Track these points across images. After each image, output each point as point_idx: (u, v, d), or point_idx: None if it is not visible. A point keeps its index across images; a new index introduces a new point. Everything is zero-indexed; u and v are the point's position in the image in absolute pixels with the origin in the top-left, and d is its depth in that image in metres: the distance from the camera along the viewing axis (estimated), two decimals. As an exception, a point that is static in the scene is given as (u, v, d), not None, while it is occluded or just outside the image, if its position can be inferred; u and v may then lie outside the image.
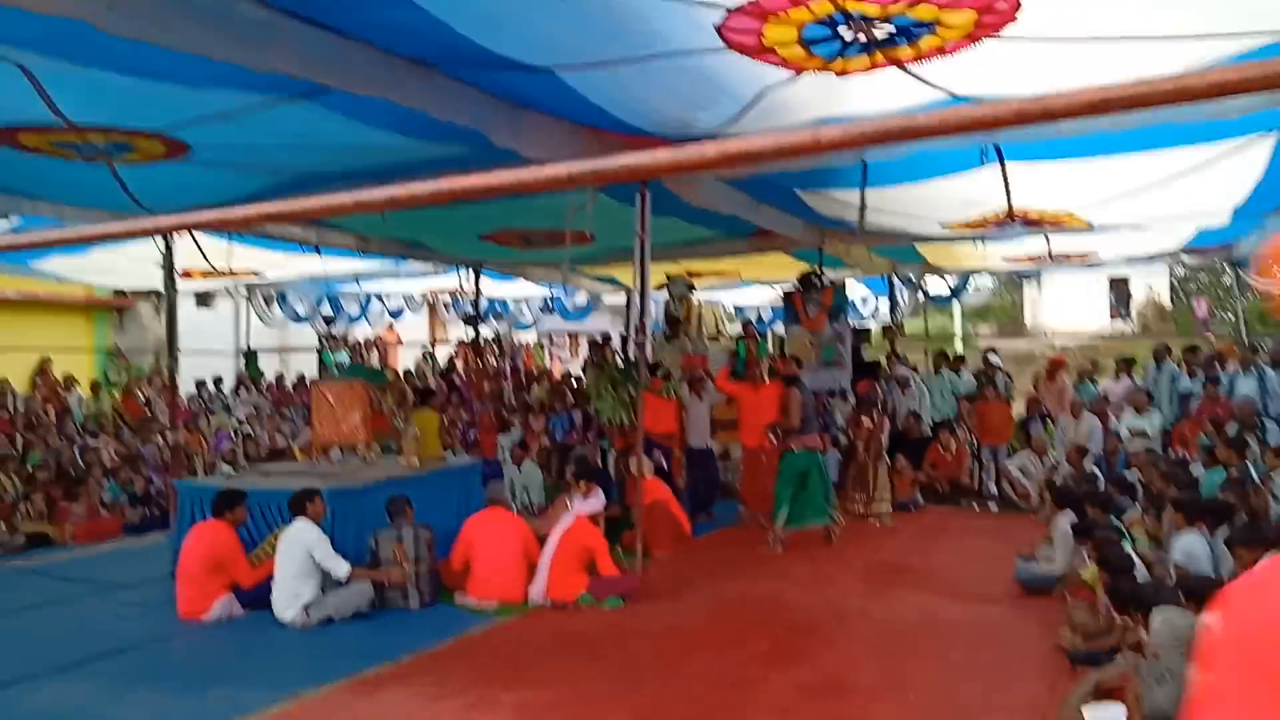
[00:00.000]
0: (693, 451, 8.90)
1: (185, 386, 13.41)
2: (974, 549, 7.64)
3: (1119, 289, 22.29)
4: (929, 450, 10.10)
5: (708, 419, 8.89)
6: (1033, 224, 8.28)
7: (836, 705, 4.35)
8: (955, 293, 14.16)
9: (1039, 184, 6.67)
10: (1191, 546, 4.98)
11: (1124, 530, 5.80)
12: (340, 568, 5.72)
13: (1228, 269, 13.78)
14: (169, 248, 7.90)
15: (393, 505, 6.28)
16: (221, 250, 9.27)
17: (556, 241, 9.22)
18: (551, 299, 16.02)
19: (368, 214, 8.01)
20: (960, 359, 11.75)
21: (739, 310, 20.51)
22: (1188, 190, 6.78)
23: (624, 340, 11.59)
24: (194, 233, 8.69)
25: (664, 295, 12.22)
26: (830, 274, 11.05)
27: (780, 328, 11.41)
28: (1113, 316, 22.03)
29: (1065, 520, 6.24)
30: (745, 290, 15.85)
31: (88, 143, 5.52)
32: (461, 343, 16.96)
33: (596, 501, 6.48)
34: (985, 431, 10.19)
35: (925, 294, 14.38)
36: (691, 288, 11.76)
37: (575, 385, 12.96)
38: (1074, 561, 6.06)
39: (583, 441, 10.08)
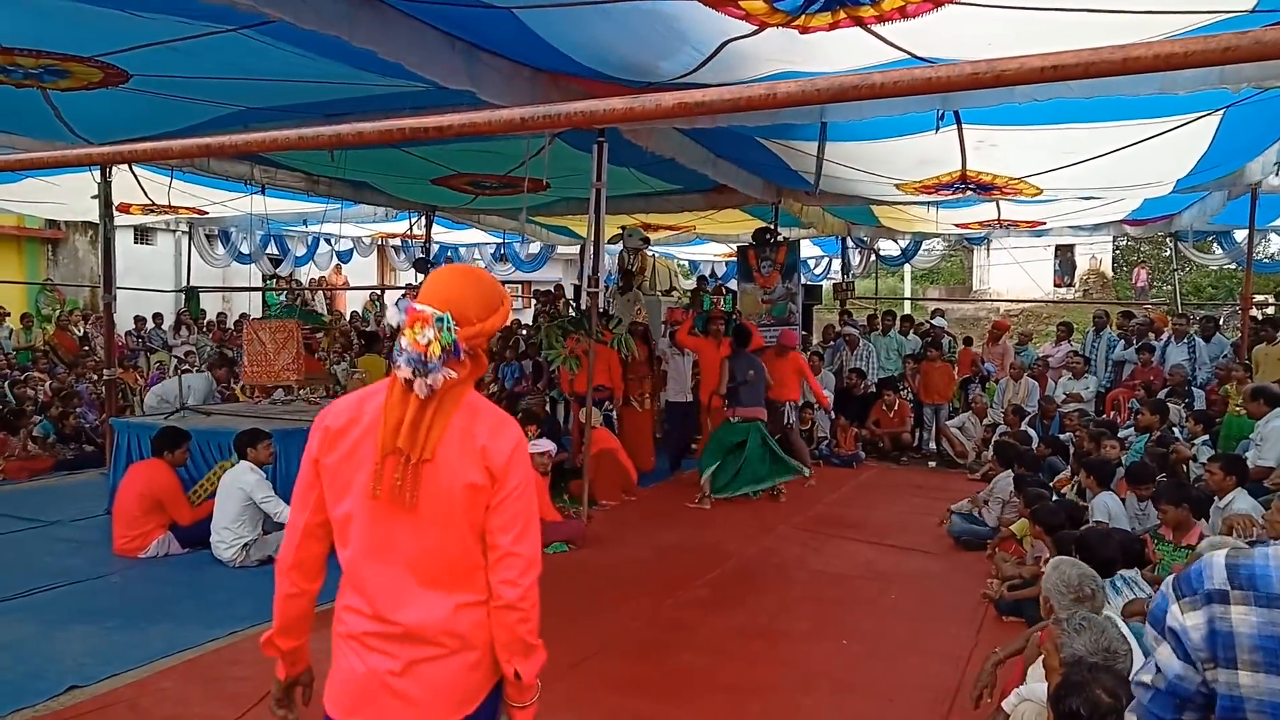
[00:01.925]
0: (672, 405, 8.99)
1: (124, 324, 13.04)
2: (911, 504, 7.86)
3: (1064, 256, 22.78)
4: (873, 408, 10.30)
5: (689, 373, 8.97)
6: (985, 189, 8.40)
7: (772, 648, 4.50)
8: (906, 255, 14.35)
9: (993, 148, 6.76)
10: (1108, 505, 5.21)
11: (1053, 490, 6.03)
12: (282, 511, 5.67)
13: (1168, 241, 14.17)
14: (105, 180, 7.60)
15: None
16: (161, 185, 8.96)
17: (511, 188, 9.09)
18: (505, 248, 15.85)
19: (316, 152, 7.81)
20: (908, 320, 11.96)
21: (693, 265, 20.54)
22: (1135, 162, 6.94)
23: (577, 291, 11.54)
24: (132, 166, 8.37)
25: (618, 247, 12.17)
26: (785, 232, 11.09)
27: (732, 285, 11.45)
28: (1057, 284, 22.54)
29: (1006, 478, 6.45)
30: (699, 246, 15.86)
31: (16, 65, 5.26)
32: (411, 288, 16.73)
33: (543, 443, 6.51)
34: (928, 390, 10.42)
35: (877, 256, 14.56)
36: (646, 241, 11.71)
37: (526, 334, 12.91)
38: (1005, 517, 6.30)
39: (532, 391, 10.08)
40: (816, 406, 9.40)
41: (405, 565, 1.94)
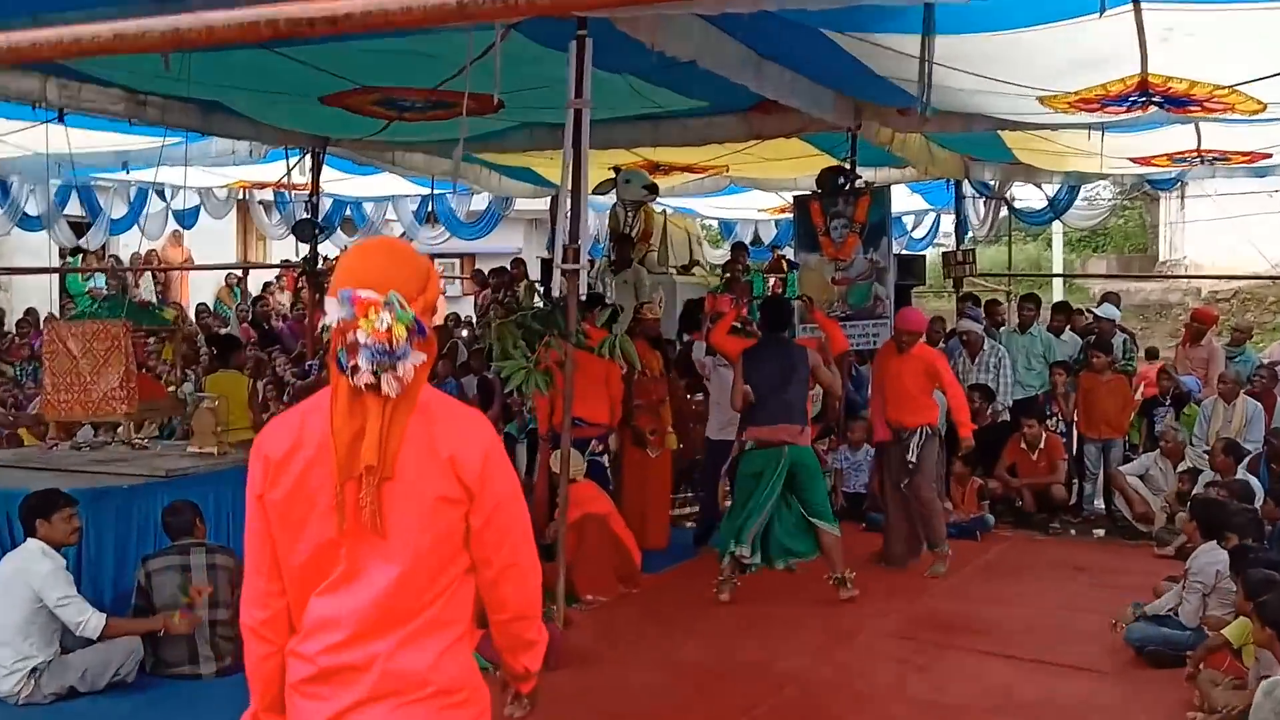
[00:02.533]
0: (715, 446, 9.07)
1: None
2: (1068, 594, 7.82)
3: (1300, 210, 22.80)
4: (1006, 445, 10.29)
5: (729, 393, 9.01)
6: (1177, 104, 8.39)
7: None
8: (1056, 208, 14.39)
9: (1189, 39, 6.74)
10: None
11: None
12: (88, 617, 5.66)
13: None
14: None
15: (174, 517, 6.24)
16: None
17: (444, 109, 9.08)
18: (435, 202, 15.89)
19: (144, 58, 7.77)
20: (1062, 309, 11.94)
21: (725, 227, 20.59)
22: None
23: (545, 269, 11.55)
24: None
25: (611, 200, 12.17)
26: (867, 174, 11.08)
27: (787, 252, 11.47)
28: (1288, 252, 22.55)
29: (1212, 554, 6.40)
30: (734, 197, 15.88)
31: None
32: (289, 266, 16.79)
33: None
34: (1091, 420, 10.39)
35: (1011, 209, 14.58)
36: (654, 190, 11.72)
37: (470, 337, 12.89)
38: (1213, 615, 6.24)
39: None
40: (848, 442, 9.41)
41: (378, 602, 2.44)
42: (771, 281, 8.95)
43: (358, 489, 2.40)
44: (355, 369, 2.37)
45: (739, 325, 9.16)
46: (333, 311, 2.40)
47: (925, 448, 8.37)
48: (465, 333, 13.67)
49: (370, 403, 2.41)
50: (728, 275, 11.65)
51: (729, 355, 8.46)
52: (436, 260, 26.05)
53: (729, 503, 8.26)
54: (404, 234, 17.40)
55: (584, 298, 7.23)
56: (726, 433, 8.75)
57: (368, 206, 17.10)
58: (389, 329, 2.34)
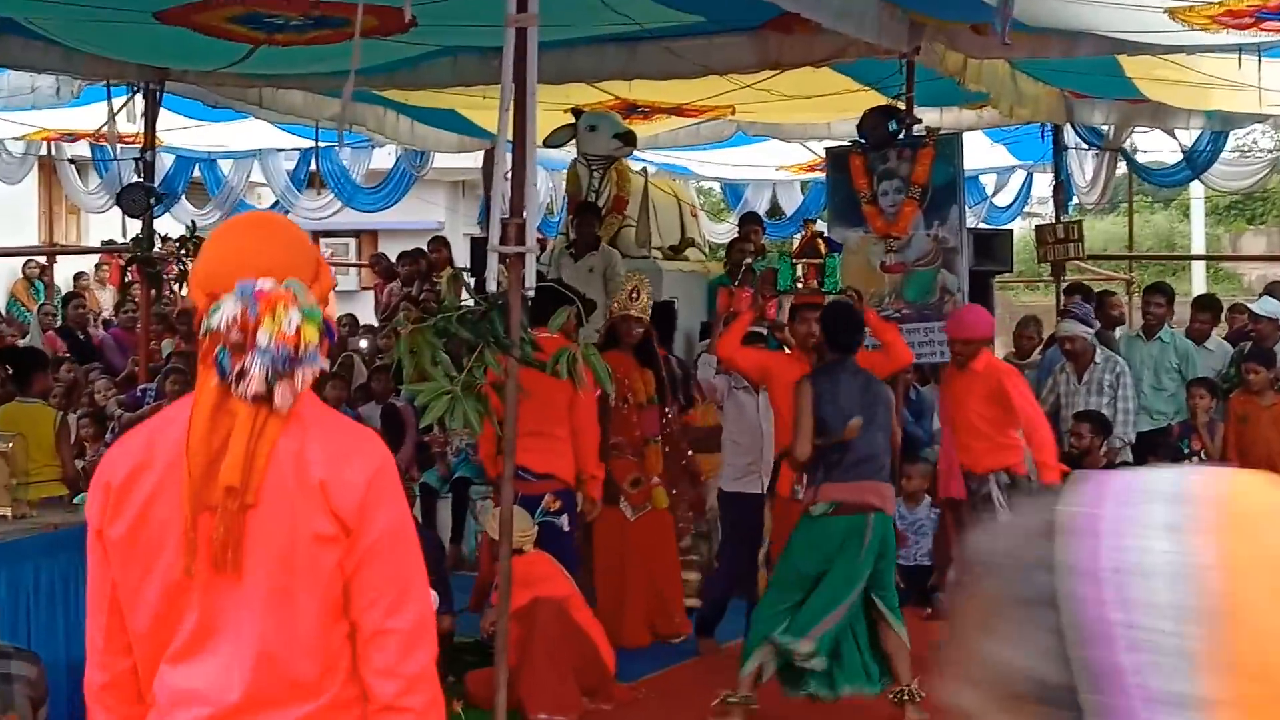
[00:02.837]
0: (731, 500, 9.14)
1: None
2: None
3: None
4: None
5: (761, 429, 9.04)
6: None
7: None
8: (1194, 162, 14.45)
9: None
10: None
11: None
12: None
13: None
14: None
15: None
16: None
17: (330, 29, 9.09)
18: (319, 159, 15.88)
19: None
20: (1206, 305, 11.99)
21: (731, 193, 20.58)
22: None
23: (477, 254, 11.53)
24: None
25: (569, 156, 12.17)
26: (928, 117, 11.11)
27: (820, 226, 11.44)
28: None
29: None
30: (742, 149, 15.93)
31: None
32: (113, 250, 16.62)
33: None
34: (1248, 459, 10.36)
35: (1132, 165, 14.64)
36: (629, 141, 11.73)
37: (371, 349, 12.85)
38: None
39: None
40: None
41: (236, 662, 2.60)
42: (802, 270, 8.83)
43: (213, 520, 2.55)
44: (243, 375, 2.54)
45: (762, 333, 9.15)
46: (227, 308, 2.55)
47: (1009, 503, 8.30)
48: (364, 343, 13.64)
49: (240, 411, 2.59)
50: (746, 261, 11.66)
51: (748, 374, 8.48)
52: (322, 241, 26.05)
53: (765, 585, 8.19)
54: (276, 204, 17.38)
55: (534, 292, 7.22)
56: (747, 483, 8.78)
57: (225, 166, 17.10)
58: (298, 330, 2.53)
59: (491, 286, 7.13)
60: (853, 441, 7.52)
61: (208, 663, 2.59)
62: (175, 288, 14.22)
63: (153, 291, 12.91)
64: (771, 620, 7.50)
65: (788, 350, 8.73)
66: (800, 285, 8.90)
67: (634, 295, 9.32)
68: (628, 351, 9.17)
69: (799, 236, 12.24)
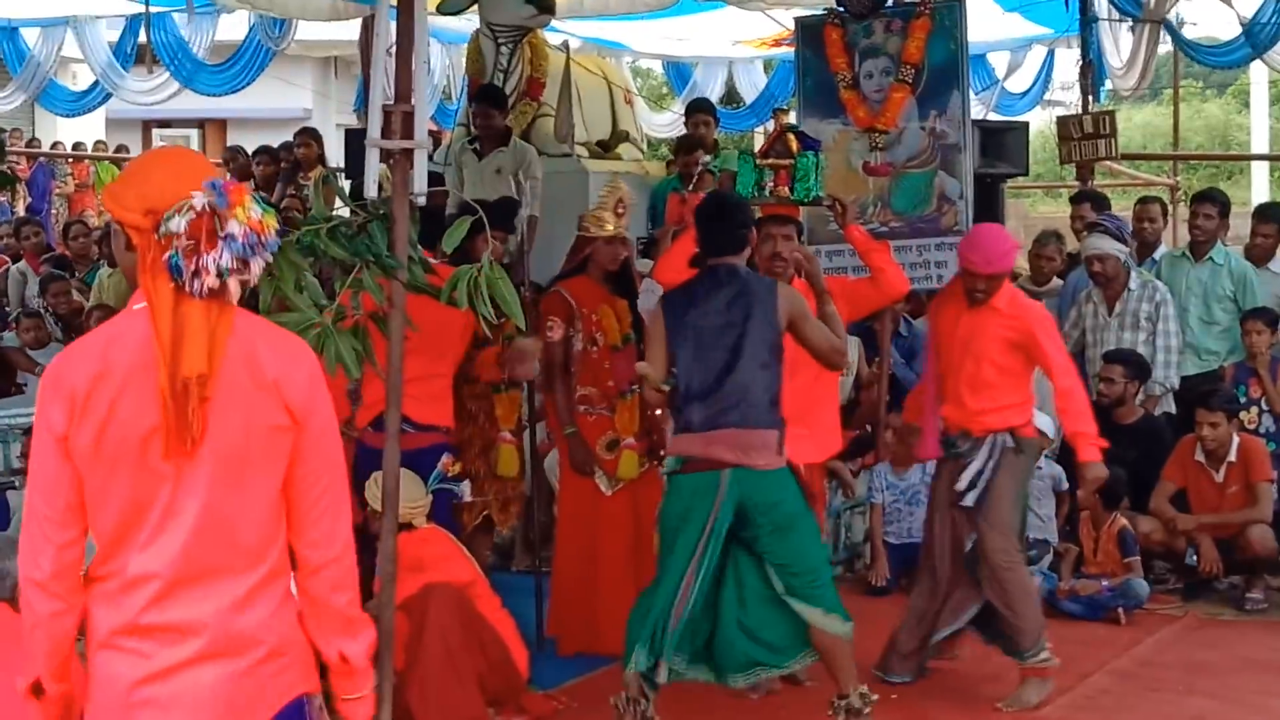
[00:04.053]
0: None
1: None
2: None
3: None
4: (1171, 458, 10.47)
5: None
6: None
7: None
8: (1256, 39, 14.49)
9: None
10: None
11: None
12: None
13: None
14: None
15: None
16: None
17: None
18: (149, 29, 15.77)
19: None
20: (1269, 215, 12.07)
21: (676, 73, 20.54)
22: None
23: (353, 149, 11.50)
24: None
25: (470, 25, 12.13)
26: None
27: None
28: None
29: None
30: (692, 20, 15.93)
31: None
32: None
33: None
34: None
35: (1178, 39, 14.68)
36: (544, 5, 11.70)
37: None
38: None
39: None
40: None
41: (204, 549, 3.59)
42: (769, 174, 8.69)
43: (180, 407, 3.49)
44: (198, 273, 3.48)
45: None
46: (197, 203, 3.48)
47: (999, 472, 8.15)
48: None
49: (191, 311, 3.53)
50: (702, 160, 11.58)
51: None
52: (156, 133, 25.86)
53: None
54: (96, 85, 17.25)
55: (424, 200, 7.17)
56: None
57: (30, 36, 16.95)
58: (260, 220, 3.53)
59: (371, 192, 7.09)
60: (701, 380, 7.45)
61: (172, 542, 3.54)
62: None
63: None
64: (636, 629, 7.49)
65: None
66: (766, 193, 8.80)
67: (618, 210, 9.24)
68: (597, 279, 9.18)
69: (764, 130, 12.22)
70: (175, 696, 3.56)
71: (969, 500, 8.11)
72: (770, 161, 8.73)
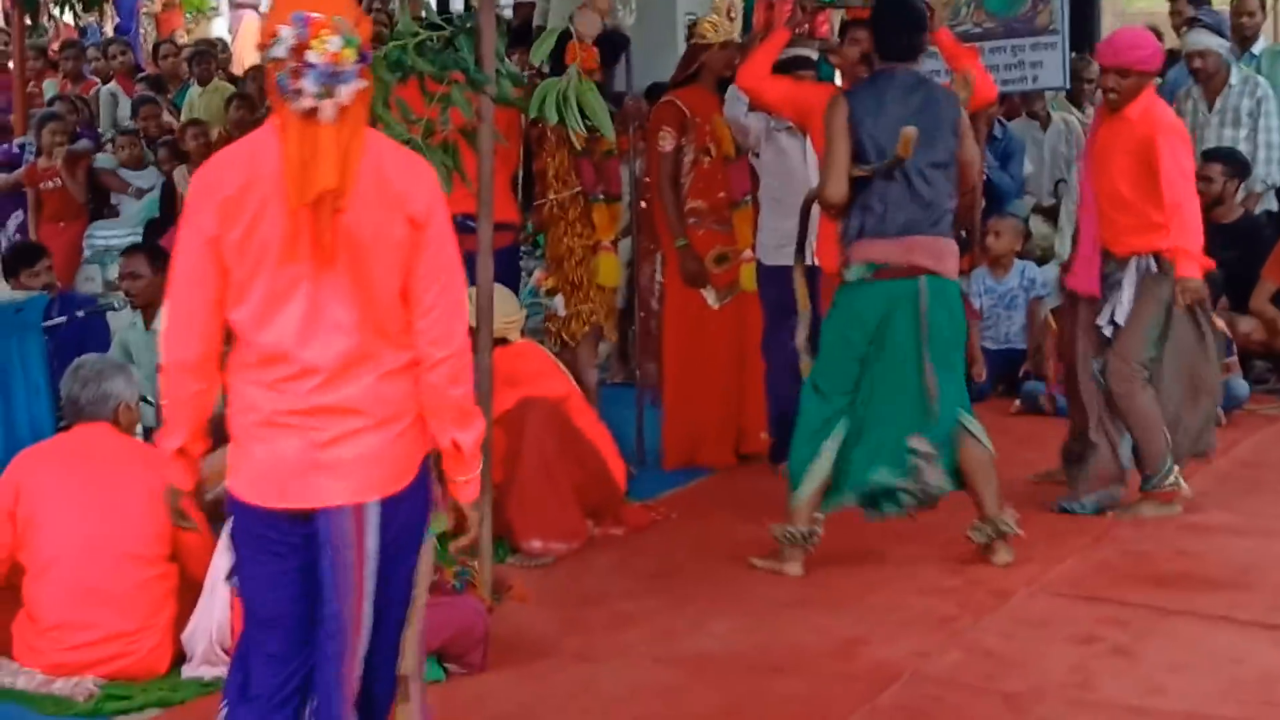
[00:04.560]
0: (771, 273, 9.04)
1: None
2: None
3: None
4: (1273, 255, 10.38)
5: (811, 182, 8.59)
6: None
7: None
8: None
9: None
10: None
11: None
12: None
13: None
14: None
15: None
16: None
17: None
18: None
19: None
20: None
21: None
22: None
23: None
24: None
25: None
26: None
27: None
28: None
29: None
30: None
31: None
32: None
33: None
34: None
35: None
36: None
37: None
38: None
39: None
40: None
41: (327, 335, 4.15)
42: None
43: (313, 219, 4.01)
44: (298, 93, 3.95)
45: (810, 57, 8.85)
46: (286, 35, 3.92)
47: (1139, 301, 8.00)
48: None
49: (322, 132, 4.01)
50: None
51: (780, 110, 8.26)
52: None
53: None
54: None
55: (511, 12, 7.11)
56: (789, 254, 8.62)
57: None
58: (338, 51, 3.94)
59: (458, 6, 7.04)
60: (891, 185, 7.34)
61: (324, 340, 4.12)
62: (56, 12, 14.12)
63: (28, 20, 12.83)
64: (820, 430, 7.42)
65: (839, 80, 8.50)
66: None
67: (730, 15, 9.15)
68: (710, 88, 9.09)
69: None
70: (342, 461, 4.18)
71: (1107, 332, 8.06)
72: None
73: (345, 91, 3.99)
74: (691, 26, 9.35)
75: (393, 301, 4.22)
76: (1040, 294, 10.69)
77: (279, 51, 3.94)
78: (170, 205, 12.60)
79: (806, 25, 8.59)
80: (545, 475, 7.66)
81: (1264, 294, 10.25)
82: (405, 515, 4.38)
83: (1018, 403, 10.01)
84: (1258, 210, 10.63)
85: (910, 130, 7.11)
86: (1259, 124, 10.62)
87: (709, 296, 9.18)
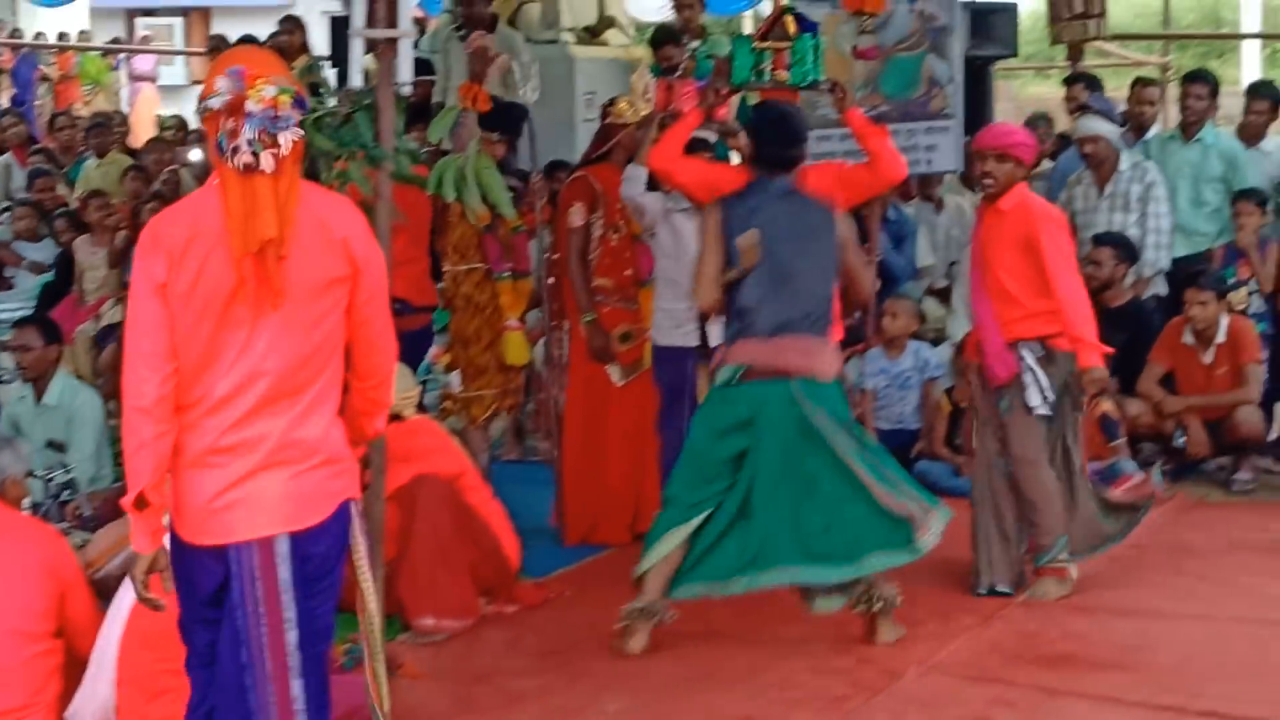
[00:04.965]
0: (664, 355, 9.13)
1: None
2: (1265, 600, 8.00)
3: None
4: (1159, 340, 10.43)
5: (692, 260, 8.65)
6: None
7: None
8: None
9: None
10: None
11: None
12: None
13: None
14: None
15: None
16: None
17: None
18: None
19: None
20: (1262, 93, 11.90)
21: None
22: None
23: (338, 37, 11.43)
24: None
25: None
26: None
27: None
28: None
29: None
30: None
31: None
32: None
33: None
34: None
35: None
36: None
37: (204, 165, 12.83)
38: None
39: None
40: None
41: (276, 378, 4.40)
42: (770, 57, 8.52)
43: (258, 266, 4.26)
44: (236, 150, 4.23)
45: (709, 140, 8.97)
46: (222, 89, 4.20)
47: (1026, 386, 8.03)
48: (195, 154, 13.54)
49: (260, 185, 4.27)
50: (690, 47, 11.40)
51: (691, 192, 8.16)
52: (139, 21, 25.74)
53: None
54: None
55: (410, 89, 7.10)
56: (684, 335, 8.64)
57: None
58: (275, 97, 4.22)
59: (357, 82, 7.05)
60: (767, 285, 7.38)
61: (248, 374, 4.36)
62: None
63: None
64: (665, 519, 7.45)
65: (740, 161, 8.51)
66: (764, 77, 8.66)
67: (646, 96, 9.24)
68: (622, 166, 9.09)
69: (754, 14, 12.06)
70: (252, 496, 4.39)
71: (1003, 414, 8.08)
72: (768, 44, 8.64)
73: (284, 139, 4.24)
74: (606, 106, 9.36)
75: (324, 341, 4.44)
76: (934, 375, 10.71)
77: (215, 103, 4.18)
78: (67, 277, 12.47)
79: (711, 109, 8.61)
80: (438, 552, 7.64)
81: (1152, 377, 10.35)
82: (323, 550, 4.56)
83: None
84: (1146, 295, 10.72)
85: (746, 238, 7.26)
86: (1148, 209, 10.70)
87: (613, 373, 9.19)
